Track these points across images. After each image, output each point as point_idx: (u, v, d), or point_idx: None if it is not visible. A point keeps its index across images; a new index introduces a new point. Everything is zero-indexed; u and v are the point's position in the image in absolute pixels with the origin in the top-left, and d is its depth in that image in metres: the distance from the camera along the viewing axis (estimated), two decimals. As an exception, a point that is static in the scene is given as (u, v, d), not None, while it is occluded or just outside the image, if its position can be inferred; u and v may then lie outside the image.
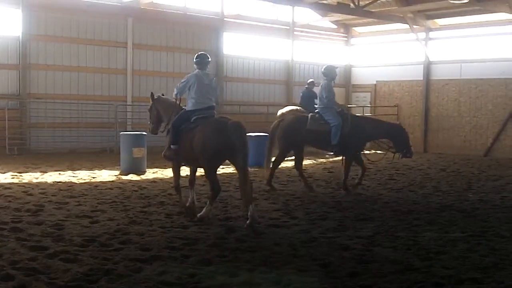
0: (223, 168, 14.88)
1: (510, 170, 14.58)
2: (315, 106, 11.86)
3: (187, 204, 8.95)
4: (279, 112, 14.12)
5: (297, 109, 20.05)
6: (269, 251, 6.70)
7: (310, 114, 11.70)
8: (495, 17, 19.73)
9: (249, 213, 7.94)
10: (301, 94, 17.20)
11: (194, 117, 8.64)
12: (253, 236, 7.49)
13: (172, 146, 8.80)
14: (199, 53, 9.23)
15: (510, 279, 5.67)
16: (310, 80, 17.79)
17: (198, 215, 8.39)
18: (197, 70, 8.96)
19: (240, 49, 21.58)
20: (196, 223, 8.16)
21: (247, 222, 7.93)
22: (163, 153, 9.09)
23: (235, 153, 8.08)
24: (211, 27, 20.46)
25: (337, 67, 12.15)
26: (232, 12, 20.95)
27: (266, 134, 16.09)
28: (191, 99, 8.77)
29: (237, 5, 21.01)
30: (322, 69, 11.88)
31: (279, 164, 11.93)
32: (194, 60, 9.10)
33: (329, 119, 11.31)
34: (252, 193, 8.46)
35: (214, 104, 8.97)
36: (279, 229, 8.00)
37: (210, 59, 9.18)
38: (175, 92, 9.11)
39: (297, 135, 11.48)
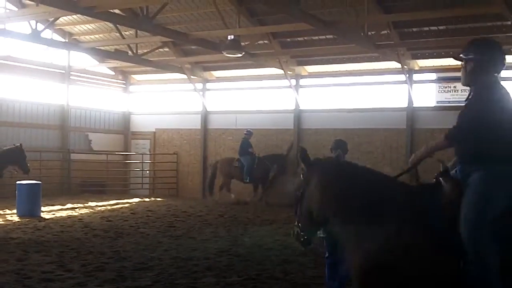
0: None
1: (283, 214, 15.44)
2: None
3: None
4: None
5: (233, 158, 19.48)
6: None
7: None
8: (267, 72, 21.13)
9: None
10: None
11: None
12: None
13: None
14: None
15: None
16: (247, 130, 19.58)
17: None
18: None
19: (10, 91, 20.16)
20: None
21: None
22: None
23: None
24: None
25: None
26: (1, 53, 19.57)
27: (39, 182, 15.15)
28: None
29: (8, 46, 19.67)
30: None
31: None
32: None
33: None
34: None
35: None
36: (52, 283, 7.46)
37: None
38: None
39: None
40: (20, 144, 13.45)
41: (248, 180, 19.51)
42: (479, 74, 4.23)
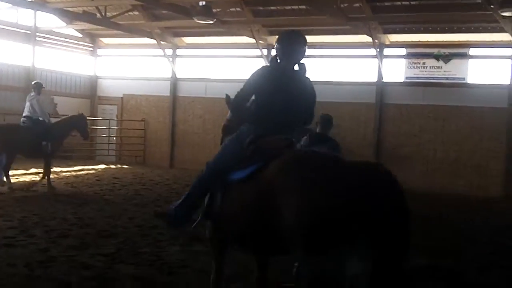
0: None
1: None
2: None
3: None
4: None
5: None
6: (2, 272, 6.07)
7: None
8: (239, 40, 20.81)
9: None
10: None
11: None
12: (-19, 258, 6.72)
13: None
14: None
15: None
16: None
17: None
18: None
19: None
20: None
21: None
22: None
23: None
24: None
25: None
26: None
27: None
28: None
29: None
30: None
31: None
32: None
33: None
34: None
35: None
36: (13, 248, 7.35)
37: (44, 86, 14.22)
38: None
39: None
40: (83, 113, 15.09)
41: None
42: (276, 61, 4.93)
